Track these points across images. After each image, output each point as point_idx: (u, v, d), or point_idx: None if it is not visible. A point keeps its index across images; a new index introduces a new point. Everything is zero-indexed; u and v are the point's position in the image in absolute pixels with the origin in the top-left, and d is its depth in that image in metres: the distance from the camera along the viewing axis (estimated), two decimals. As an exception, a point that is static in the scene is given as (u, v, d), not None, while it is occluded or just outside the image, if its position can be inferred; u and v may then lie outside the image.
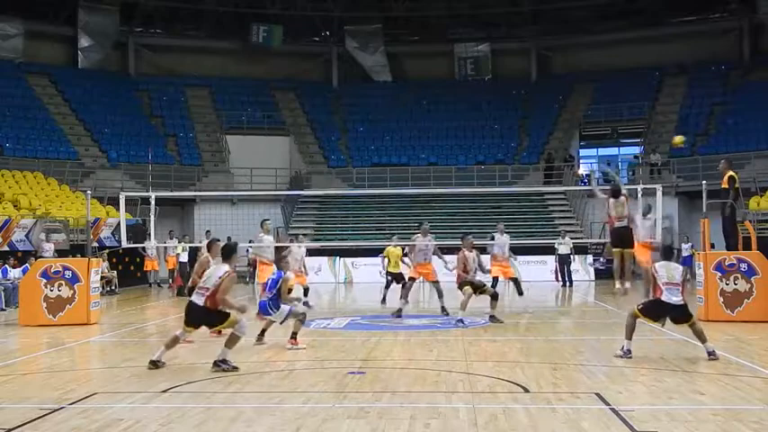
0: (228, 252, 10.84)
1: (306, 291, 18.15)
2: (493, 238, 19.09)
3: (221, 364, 10.09)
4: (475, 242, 16.14)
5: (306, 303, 17.55)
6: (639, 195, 16.53)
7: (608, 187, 15.71)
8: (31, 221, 24.24)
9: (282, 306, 12.21)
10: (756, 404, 8.05)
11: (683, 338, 12.18)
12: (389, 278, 20.30)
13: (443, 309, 16.51)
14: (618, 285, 14.55)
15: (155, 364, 10.18)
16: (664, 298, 10.62)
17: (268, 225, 18.39)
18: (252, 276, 30.75)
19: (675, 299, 10.55)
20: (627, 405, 7.90)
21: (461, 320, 15.01)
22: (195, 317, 10.31)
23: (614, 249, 14.73)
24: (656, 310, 10.78)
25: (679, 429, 7.00)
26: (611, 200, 14.67)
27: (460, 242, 15.70)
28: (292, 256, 16.73)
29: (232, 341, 10.21)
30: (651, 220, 15.61)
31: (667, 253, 11.46)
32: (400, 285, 19.97)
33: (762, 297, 14.69)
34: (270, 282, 12.48)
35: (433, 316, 17.01)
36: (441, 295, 16.52)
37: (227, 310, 10.28)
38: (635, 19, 41.28)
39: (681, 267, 10.94)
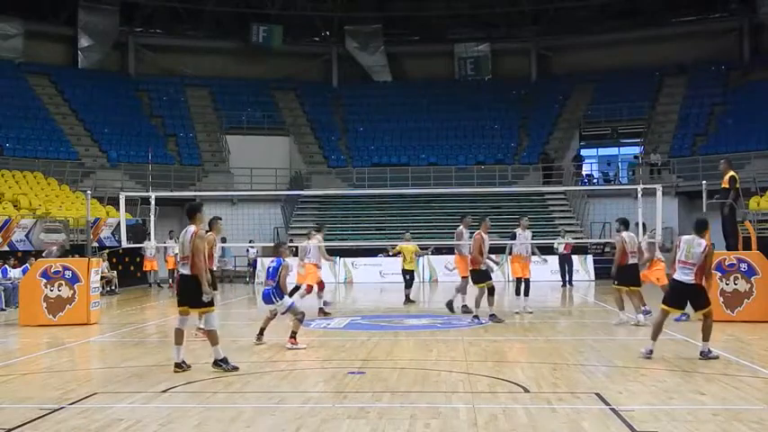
0: (191, 211, 10.54)
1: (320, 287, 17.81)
2: (514, 236, 17.68)
3: (222, 364, 10.08)
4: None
5: (326, 303, 17.56)
6: (639, 196, 16.54)
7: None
8: (31, 221, 24.24)
9: (285, 297, 12.23)
10: (756, 404, 8.05)
11: (683, 338, 12.19)
12: (407, 276, 20.01)
13: (465, 306, 16.75)
14: (621, 316, 14.66)
15: (179, 367, 10.05)
16: (676, 276, 10.59)
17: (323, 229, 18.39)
18: (252, 276, 30.80)
19: (687, 278, 10.47)
20: (627, 405, 7.90)
21: (477, 317, 15.27)
22: (185, 290, 10.18)
23: (619, 286, 14.71)
24: (675, 296, 10.69)
25: (679, 429, 7.00)
26: (625, 233, 14.70)
27: (480, 224, 15.91)
28: (318, 248, 17.03)
29: (212, 337, 10.15)
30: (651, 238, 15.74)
31: (700, 226, 10.89)
32: (406, 283, 19.95)
33: (762, 297, 14.68)
34: (270, 270, 12.53)
35: (433, 316, 17.03)
36: (464, 292, 16.67)
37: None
38: (635, 19, 41.30)
39: (704, 244, 10.55)
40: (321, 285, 17.40)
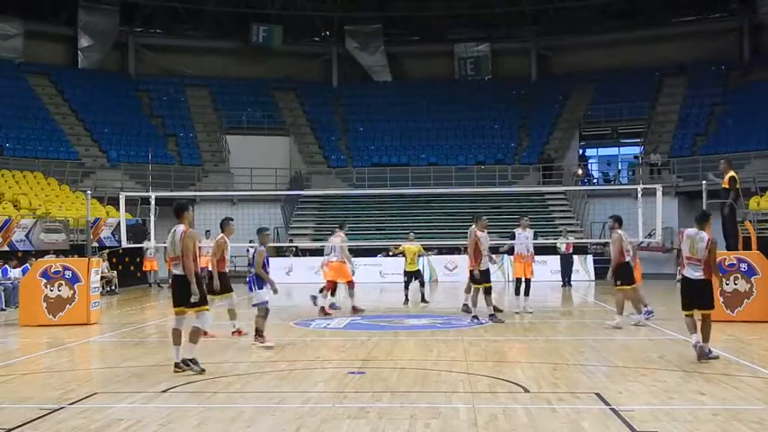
0: (179, 210, 10.41)
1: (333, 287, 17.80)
2: (513, 236, 17.69)
3: (190, 364, 9.88)
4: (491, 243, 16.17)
5: (333, 305, 17.56)
6: (639, 196, 16.52)
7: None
8: (31, 221, 24.23)
9: (264, 290, 12.21)
10: (756, 404, 8.06)
11: (683, 338, 12.17)
12: (406, 278, 19.79)
13: (465, 305, 16.56)
14: (617, 320, 14.43)
15: (179, 367, 9.96)
16: (686, 273, 10.47)
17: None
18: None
19: (696, 274, 10.36)
20: (627, 405, 7.90)
21: (476, 317, 15.27)
22: (180, 291, 10.04)
23: (622, 287, 14.49)
24: (686, 295, 10.52)
25: (679, 429, 7.00)
26: (621, 231, 14.66)
27: (474, 222, 15.82)
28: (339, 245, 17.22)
29: (195, 336, 10.01)
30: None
31: (702, 218, 10.75)
32: (418, 282, 19.84)
33: (762, 297, 14.68)
34: (252, 258, 12.63)
35: (433, 316, 17.03)
36: (488, 293, 15.98)
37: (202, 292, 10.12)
38: (635, 19, 41.29)
39: (707, 238, 10.42)
40: (330, 285, 17.44)
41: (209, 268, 13.44)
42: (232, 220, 13.64)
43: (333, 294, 17.51)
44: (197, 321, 10.09)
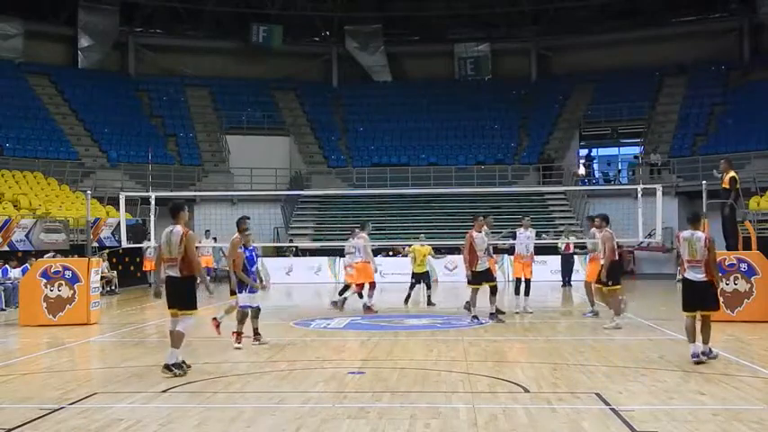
0: (175, 210, 10.20)
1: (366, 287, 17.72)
2: (514, 236, 17.70)
3: (174, 369, 9.74)
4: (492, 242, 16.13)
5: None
6: (639, 196, 16.53)
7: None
8: (31, 221, 24.23)
9: (242, 294, 12.18)
10: (756, 404, 8.06)
11: (682, 338, 12.17)
12: (413, 279, 19.63)
13: (467, 303, 16.31)
14: (616, 320, 14.40)
15: (179, 368, 9.85)
16: (687, 275, 10.37)
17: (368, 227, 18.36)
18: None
19: (699, 276, 10.23)
20: (627, 405, 7.91)
21: (476, 317, 15.21)
22: (174, 293, 9.96)
23: (614, 287, 14.51)
24: (688, 297, 10.38)
25: (679, 429, 7.00)
26: (609, 230, 14.64)
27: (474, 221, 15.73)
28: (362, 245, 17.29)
29: (178, 340, 9.88)
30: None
31: (694, 220, 10.62)
32: (425, 285, 19.74)
33: (762, 297, 14.68)
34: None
35: (433, 316, 17.02)
36: (494, 293, 15.51)
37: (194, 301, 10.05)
38: (635, 19, 41.29)
39: (703, 237, 10.28)
40: (360, 288, 17.56)
41: (228, 268, 13.36)
42: (249, 218, 13.32)
43: (371, 291, 17.59)
44: (180, 324, 9.91)
